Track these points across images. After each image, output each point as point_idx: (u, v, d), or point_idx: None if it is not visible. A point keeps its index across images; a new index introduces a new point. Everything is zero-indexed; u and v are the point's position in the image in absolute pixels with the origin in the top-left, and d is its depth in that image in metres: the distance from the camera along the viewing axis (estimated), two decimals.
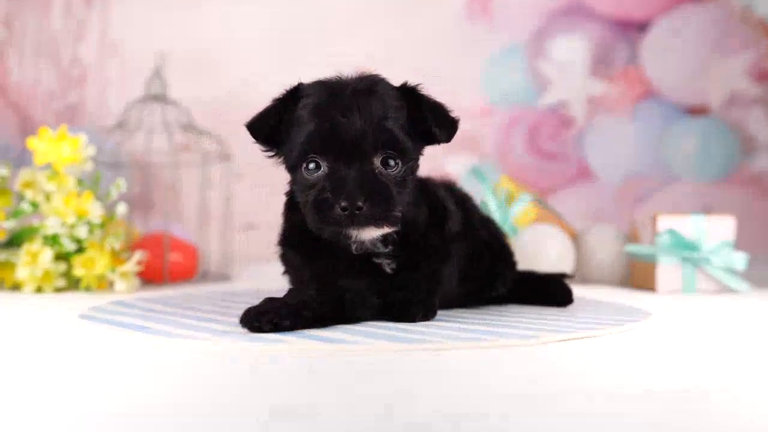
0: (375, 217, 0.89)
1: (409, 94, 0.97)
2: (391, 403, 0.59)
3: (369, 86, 0.94)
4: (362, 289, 0.98)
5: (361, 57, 2.16)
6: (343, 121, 0.90)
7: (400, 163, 0.93)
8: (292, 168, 0.96)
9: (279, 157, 1.00)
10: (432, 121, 0.96)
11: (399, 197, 0.93)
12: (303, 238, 1.00)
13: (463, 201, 1.20)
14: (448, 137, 0.98)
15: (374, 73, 0.98)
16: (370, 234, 0.93)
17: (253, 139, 0.98)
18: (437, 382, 0.68)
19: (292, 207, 1.03)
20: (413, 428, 0.53)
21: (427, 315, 0.99)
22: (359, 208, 0.88)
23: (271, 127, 0.97)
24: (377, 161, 0.92)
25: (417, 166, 0.99)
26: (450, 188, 1.20)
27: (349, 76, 0.96)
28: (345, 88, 0.93)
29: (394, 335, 0.88)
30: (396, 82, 0.99)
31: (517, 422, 0.54)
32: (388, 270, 1.00)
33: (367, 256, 0.99)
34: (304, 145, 0.92)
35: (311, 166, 0.92)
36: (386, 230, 0.93)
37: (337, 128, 0.90)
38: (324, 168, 0.92)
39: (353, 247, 0.97)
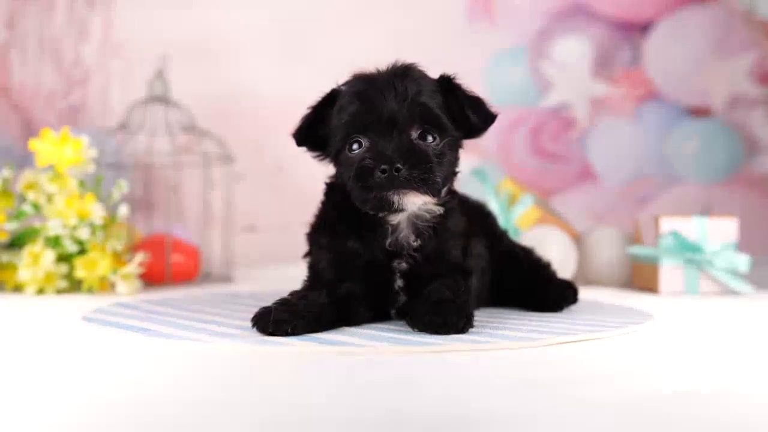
0: (415, 179, 0.91)
1: (445, 83, 1.01)
2: (392, 404, 0.59)
3: (403, 70, 0.98)
4: (375, 298, 1.00)
5: (359, 59, 2.16)
6: (380, 100, 0.94)
7: (438, 138, 0.96)
8: (337, 153, 0.98)
9: (327, 156, 1.03)
10: (467, 106, 0.99)
11: (438, 167, 0.94)
12: (336, 220, 1.02)
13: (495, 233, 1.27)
14: (483, 123, 1.01)
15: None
16: (412, 201, 0.93)
17: (301, 147, 1.02)
18: (439, 384, 0.67)
19: (329, 192, 1.06)
20: (415, 430, 0.53)
21: (467, 326, 0.92)
22: (398, 170, 0.90)
23: (314, 128, 1.01)
24: (415, 134, 0.95)
25: (458, 146, 1.01)
26: (481, 211, 1.28)
27: (384, 68, 1.00)
28: (381, 75, 0.98)
29: (397, 338, 0.88)
30: None
31: (519, 425, 0.54)
32: (399, 282, 1.01)
33: (390, 259, 0.99)
34: (345, 127, 0.95)
35: (354, 146, 0.96)
36: (427, 198, 0.94)
37: (375, 107, 0.94)
38: (365, 144, 0.95)
39: (388, 239, 0.98)
